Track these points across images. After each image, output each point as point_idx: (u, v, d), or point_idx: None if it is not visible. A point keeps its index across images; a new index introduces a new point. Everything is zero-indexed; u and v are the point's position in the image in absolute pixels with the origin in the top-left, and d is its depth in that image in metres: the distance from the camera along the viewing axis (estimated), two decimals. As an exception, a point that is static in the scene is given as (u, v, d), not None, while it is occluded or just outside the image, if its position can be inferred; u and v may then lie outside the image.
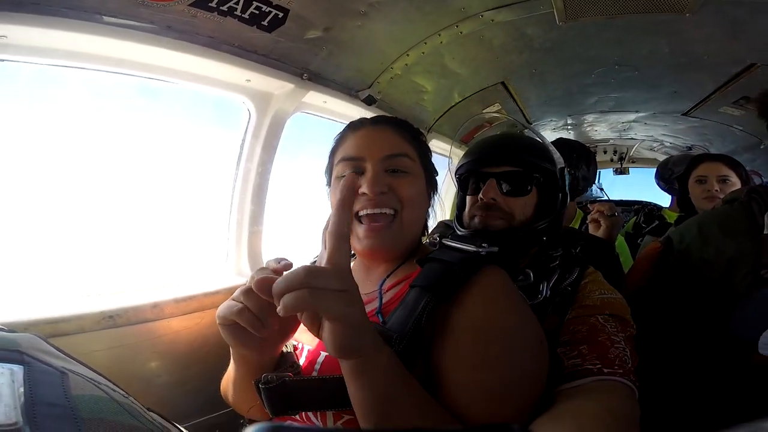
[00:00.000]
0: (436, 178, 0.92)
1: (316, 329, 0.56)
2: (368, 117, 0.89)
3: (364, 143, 0.82)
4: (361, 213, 0.78)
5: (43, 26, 1.00)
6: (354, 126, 0.87)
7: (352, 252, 0.96)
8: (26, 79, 1.16)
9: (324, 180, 0.92)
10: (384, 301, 0.78)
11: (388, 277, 0.81)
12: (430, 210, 0.90)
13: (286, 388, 0.68)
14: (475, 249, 0.77)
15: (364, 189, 0.77)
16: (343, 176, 0.80)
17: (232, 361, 0.81)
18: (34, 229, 1.27)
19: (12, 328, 0.58)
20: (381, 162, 0.79)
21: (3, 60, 1.05)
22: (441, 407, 0.62)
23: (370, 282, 0.84)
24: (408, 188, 0.80)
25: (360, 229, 0.79)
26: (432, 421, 0.59)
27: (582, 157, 1.79)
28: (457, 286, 0.68)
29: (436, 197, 0.92)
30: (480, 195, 1.01)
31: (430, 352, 0.67)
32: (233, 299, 0.63)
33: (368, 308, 0.78)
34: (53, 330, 1.06)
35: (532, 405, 0.65)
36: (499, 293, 0.69)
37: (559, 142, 1.75)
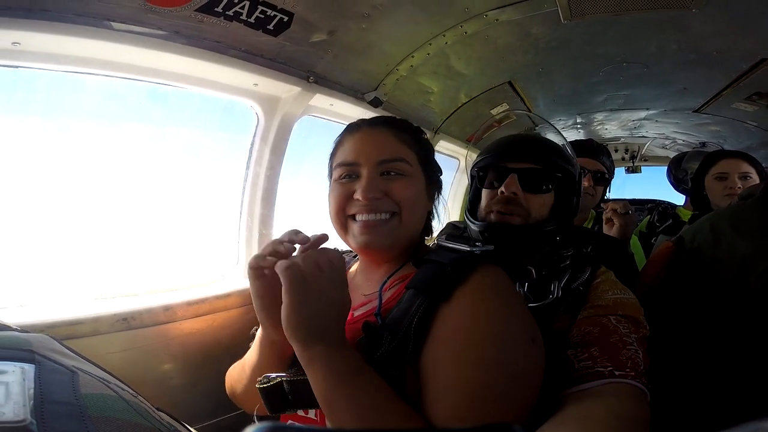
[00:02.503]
0: (440, 177, 0.91)
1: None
2: (366, 118, 0.88)
3: (360, 147, 0.80)
4: (358, 218, 0.78)
5: (55, 32, 1.02)
6: (351, 128, 0.86)
7: (354, 253, 0.96)
8: (41, 85, 1.19)
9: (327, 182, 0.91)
10: (383, 301, 0.77)
11: (389, 278, 0.81)
12: (433, 210, 0.89)
13: (282, 387, 0.69)
14: (468, 249, 0.76)
15: (358, 195, 0.77)
16: (342, 180, 0.80)
17: (251, 351, 0.83)
18: (49, 234, 1.29)
19: (31, 329, 0.60)
20: (376, 167, 0.78)
21: (18, 66, 1.08)
22: (416, 416, 0.61)
23: (372, 283, 0.83)
24: (404, 190, 0.78)
25: (355, 227, 0.79)
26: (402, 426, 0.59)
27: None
28: (449, 286, 0.67)
29: (439, 197, 0.90)
30: (501, 188, 1.00)
31: (421, 353, 0.66)
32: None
33: (368, 308, 0.78)
34: (70, 332, 1.08)
35: (526, 406, 0.63)
36: (489, 291, 0.68)
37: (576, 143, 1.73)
